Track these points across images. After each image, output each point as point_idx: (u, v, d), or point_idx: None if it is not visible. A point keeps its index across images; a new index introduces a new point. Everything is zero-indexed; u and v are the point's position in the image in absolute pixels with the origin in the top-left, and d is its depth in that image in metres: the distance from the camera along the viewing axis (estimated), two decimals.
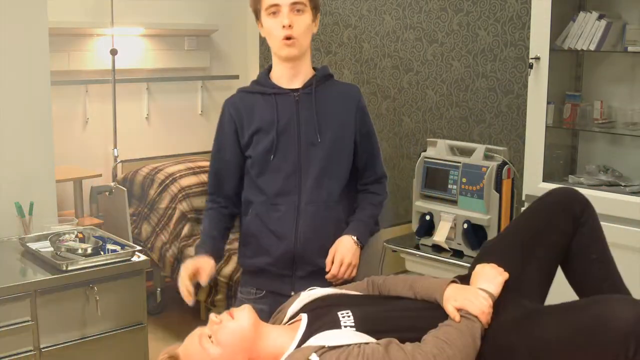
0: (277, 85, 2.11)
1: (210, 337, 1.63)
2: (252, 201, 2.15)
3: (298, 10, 2.01)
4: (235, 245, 3.62)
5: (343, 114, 2.13)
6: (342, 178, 2.14)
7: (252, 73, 4.85)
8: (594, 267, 1.79)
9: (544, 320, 1.61)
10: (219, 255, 2.18)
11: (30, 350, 2.41)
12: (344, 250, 2.08)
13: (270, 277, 2.15)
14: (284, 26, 2.00)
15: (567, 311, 1.61)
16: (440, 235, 3.01)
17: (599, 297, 1.67)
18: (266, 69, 2.17)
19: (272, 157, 2.08)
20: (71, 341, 2.51)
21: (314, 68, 2.17)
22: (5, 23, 2.84)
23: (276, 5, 2.00)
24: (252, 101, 2.13)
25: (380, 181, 2.25)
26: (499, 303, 1.68)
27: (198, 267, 2.06)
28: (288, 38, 2.01)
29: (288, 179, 2.09)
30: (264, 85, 2.13)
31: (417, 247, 3.12)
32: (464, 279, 1.78)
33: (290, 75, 2.11)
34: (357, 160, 2.19)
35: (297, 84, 2.11)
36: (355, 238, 2.10)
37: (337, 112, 2.12)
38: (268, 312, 1.93)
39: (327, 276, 2.08)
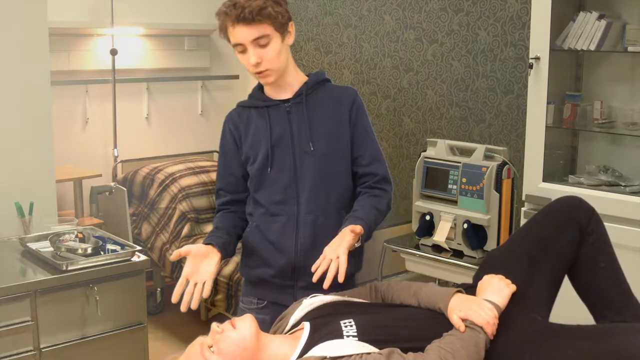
0: (269, 98, 2.11)
1: (211, 346, 1.62)
2: (252, 213, 2.15)
3: (263, 44, 1.98)
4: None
5: (336, 117, 2.10)
6: (340, 185, 2.11)
7: None
8: (602, 275, 1.78)
9: (560, 344, 1.61)
10: (226, 250, 2.05)
11: (30, 350, 2.41)
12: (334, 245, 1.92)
13: (271, 288, 2.13)
14: (252, 64, 1.99)
15: (586, 339, 1.61)
16: (440, 235, 3.01)
17: (618, 327, 1.68)
18: (259, 83, 2.16)
19: (268, 170, 2.07)
20: (71, 341, 2.51)
21: (308, 75, 2.15)
22: (5, 23, 2.85)
23: (240, 44, 1.99)
24: (248, 116, 2.13)
25: (384, 188, 2.13)
26: (507, 316, 1.67)
27: (198, 267, 1.95)
28: (260, 72, 2.02)
29: (285, 191, 2.07)
30: (257, 99, 2.14)
31: (417, 247, 3.12)
32: (470, 289, 1.77)
33: (277, 89, 2.11)
34: (355, 163, 2.12)
35: (288, 94, 2.11)
36: (358, 229, 1.94)
37: (330, 117, 2.10)
38: (270, 322, 1.92)
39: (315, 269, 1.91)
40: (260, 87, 2.16)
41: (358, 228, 1.92)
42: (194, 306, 1.89)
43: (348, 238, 1.90)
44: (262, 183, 2.10)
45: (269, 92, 2.13)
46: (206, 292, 1.91)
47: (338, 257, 1.85)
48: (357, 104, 2.13)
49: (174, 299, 1.89)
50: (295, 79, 2.12)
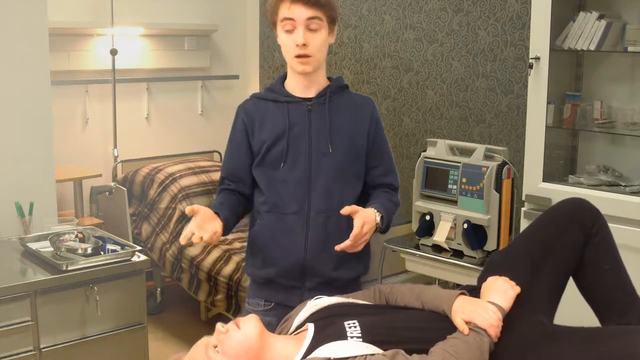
0: (290, 94, 2.10)
1: (216, 346, 1.62)
2: (260, 211, 2.12)
3: (314, 28, 1.99)
4: (236, 245, 3.65)
5: (356, 124, 2.11)
6: (353, 190, 2.11)
7: (252, 73, 4.85)
8: (606, 278, 1.78)
9: (563, 346, 1.61)
10: (227, 226, 2.04)
11: (30, 350, 2.41)
12: (368, 219, 1.97)
13: (278, 289, 2.11)
14: (297, 45, 1.99)
15: (589, 341, 1.61)
16: (440, 235, 3.01)
17: (622, 329, 1.68)
18: (281, 77, 2.15)
19: (282, 164, 2.05)
20: (71, 341, 2.51)
21: (328, 78, 2.15)
22: (5, 23, 2.85)
23: (291, 19, 1.98)
24: (265, 108, 2.11)
25: (394, 193, 2.22)
26: (511, 317, 1.66)
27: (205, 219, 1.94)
28: (302, 56, 2.00)
29: (297, 188, 2.06)
30: (277, 93, 2.11)
31: (417, 247, 3.12)
32: (473, 291, 1.77)
33: (304, 86, 2.09)
34: (370, 173, 2.15)
35: (311, 93, 2.10)
36: (379, 218, 2.03)
37: (349, 122, 2.10)
38: (276, 324, 1.91)
39: (345, 243, 1.93)
40: (281, 81, 2.14)
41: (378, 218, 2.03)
42: (182, 241, 1.88)
43: (373, 225, 1.99)
44: (273, 178, 2.08)
45: (293, 88, 2.10)
46: (211, 239, 1.92)
47: (366, 235, 1.96)
48: (376, 118, 2.16)
49: (183, 241, 1.88)
50: (322, 80, 2.12)
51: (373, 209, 2.03)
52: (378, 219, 2.02)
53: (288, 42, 2.01)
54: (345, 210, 1.94)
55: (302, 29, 1.98)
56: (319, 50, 2.02)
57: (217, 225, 1.95)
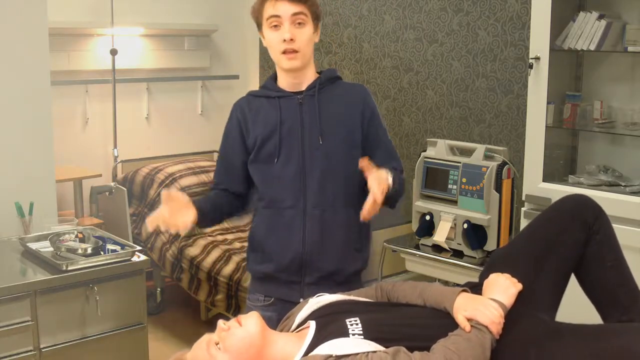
0: (282, 89, 2.11)
1: (217, 343, 1.62)
2: (258, 207, 2.14)
3: (299, 23, 2.01)
4: (236, 245, 3.65)
5: (348, 114, 2.10)
6: (350, 180, 2.09)
7: (252, 73, 4.85)
8: (609, 274, 1.77)
9: (566, 343, 1.61)
10: (202, 217, 2.03)
11: (30, 350, 2.42)
12: (381, 179, 1.86)
13: (278, 284, 2.12)
14: (284, 40, 2.00)
15: (593, 338, 1.61)
16: (440, 235, 3.01)
17: (624, 326, 1.68)
18: (272, 76, 2.16)
19: (275, 160, 2.06)
20: (71, 341, 2.51)
21: (319, 72, 2.15)
22: (5, 23, 2.85)
23: (277, 16, 2.00)
24: (258, 105, 2.12)
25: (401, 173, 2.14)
26: (513, 315, 1.66)
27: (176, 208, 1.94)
28: (290, 52, 2.01)
29: (292, 183, 2.06)
30: (269, 89, 2.13)
31: (417, 247, 3.12)
32: (476, 288, 1.77)
33: (294, 85, 2.10)
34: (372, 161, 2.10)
35: (302, 88, 2.10)
36: (390, 179, 1.91)
37: (341, 112, 2.10)
38: (276, 319, 1.92)
39: (368, 205, 1.84)
40: (274, 78, 2.15)
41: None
42: (150, 227, 1.92)
43: (386, 185, 1.88)
44: (268, 173, 2.08)
45: (284, 84, 2.11)
46: (178, 229, 1.93)
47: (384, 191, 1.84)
48: (368, 103, 2.14)
49: (151, 228, 1.91)
50: (312, 76, 2.13)
51: (386, 170, 1.92)
52: (390, 179, 1.91)
53: (275, 39, 2.02)
54: (362, 164, 1.87)
55: (288, 24, 1.99)
56: (306, 45, 2.03)
57: (189, 215, 1.96)
